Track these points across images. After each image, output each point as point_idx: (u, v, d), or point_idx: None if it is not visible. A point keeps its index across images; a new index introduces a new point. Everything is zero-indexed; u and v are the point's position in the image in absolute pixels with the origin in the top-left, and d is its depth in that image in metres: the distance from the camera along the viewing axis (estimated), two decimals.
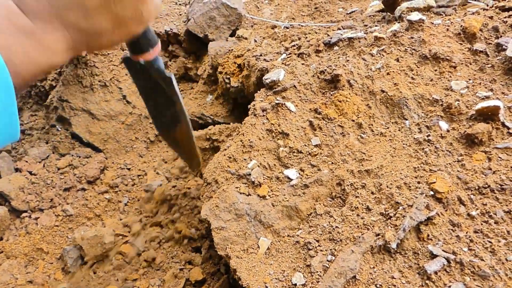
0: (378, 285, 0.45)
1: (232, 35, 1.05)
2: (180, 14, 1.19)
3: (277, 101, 0.67)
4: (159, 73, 0.47)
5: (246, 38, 1.00)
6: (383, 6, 0.88)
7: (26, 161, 0.97)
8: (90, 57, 1.04)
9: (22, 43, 0.27)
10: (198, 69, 1.06)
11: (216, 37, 1.04)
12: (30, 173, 0.95)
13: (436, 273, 0.44)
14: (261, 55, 0.85)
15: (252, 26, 1.08)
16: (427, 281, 0.44)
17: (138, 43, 0.43)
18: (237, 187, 0.60)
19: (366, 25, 0.85)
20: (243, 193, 0.59)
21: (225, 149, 0.67)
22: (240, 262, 0.54)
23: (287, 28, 1.01)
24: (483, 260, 0.43)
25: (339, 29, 0.85)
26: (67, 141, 1.04)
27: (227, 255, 0.56)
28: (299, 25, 1.01)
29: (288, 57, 0.79)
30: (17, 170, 0.96)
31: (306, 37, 0.85)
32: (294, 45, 0.83)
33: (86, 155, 1.02)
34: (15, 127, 0.27)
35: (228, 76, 0.90)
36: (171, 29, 1.12)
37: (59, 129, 1.06)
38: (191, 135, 0.59)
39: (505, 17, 0.66)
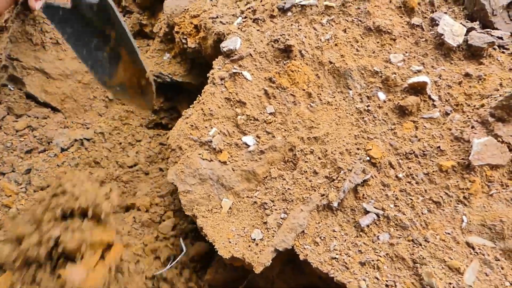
0: (322, 237, 0.55)
1: None
2: None
3: (234, 70, 0.71)
4: (89, 4, 0.44)
5: None
6: None
7: None
8: (38, 13, 1.00)
9: None
10: (154, 26, 1.05)
11: None
12: None
13: (368, 226, 0.54)
14: (217, 17, 0.87)
15: None
16: (361, 233, 0.54)
17: None
18: (200, 154, 0.66)
19: None
20: (206, 159, 0.65)
21: (187, 117, 0.71)
22: (205, 221, 0.62)
23: None
24: (404, 214, 0.54)
25: None
26: (22, 101, 1.03)
27: (194, 215, 0.63)
28: None
29: (243, 22, 0.82)
30: None
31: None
32: (249, 8, 0.85)
33: (44, 116, 1.02)
34: None
35: (185, 37, 0.91)
36: None
37: (12, 88, 1.04)
38: (139, 60, 0.55)
39: None
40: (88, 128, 1.04)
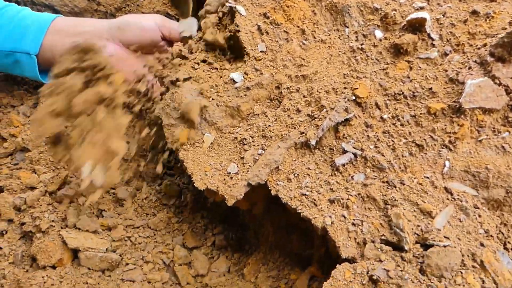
0: (295, 174, 0.53)
1: None
2: None
3: (229, 4, 0.68)
4: None
5: None
6: None
7: None
8: None
9: None
10: None
11: None
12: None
13: (343, 165, 0.52)
14: None
15: None
16: (335, 172, 0.52)
17: None
18: (186, 89, 0.65)
19: None
20: (191, 95, 0.64)
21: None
22: (186, 154, 0.62)
23: None
24: (383, 156, 0.51)
25: None
26: None
27: (176, 148, 0.63)
28: None
29: None
30: None
31: None
32: None
33: None
34: None
35: None
36: None
37: None
38: None
39: None
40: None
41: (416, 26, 0.56)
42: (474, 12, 0.55)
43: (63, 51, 0.73)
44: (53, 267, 0.67)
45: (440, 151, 0.50)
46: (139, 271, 0.71)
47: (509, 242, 0.48)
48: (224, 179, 0.57)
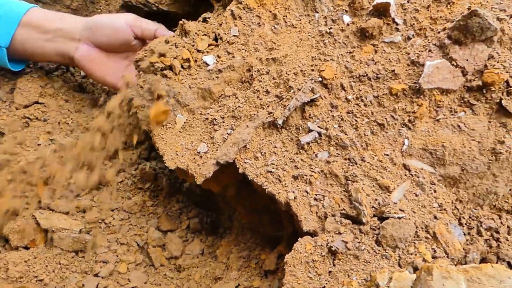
0: (262, 153, 0.55)
1: None
2: None
3: None
4: None
5: None
6: None
7: None
8: None
9: None
10: None
11: None
12: None
13: (308, 143, 0.54)
14: None
15: None
16: (300, 150, 0.54)
17: None
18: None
19: None
20: (165, 77, 0.65)
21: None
22: (159, 135, 0.63)
23: None
24: (346, 134, 0.53)
25: None
26: None
27: (149, 130, 0.64)
28: None
29: None
30: None
31: None
32: None
33: None
34: None
35: None
36: None
37: None
38: None
39: None
40: None
41: (381, 11, 0.58)
42: None
43: (35, 47, 0.74)
44: (26, 247, 0.68)
45: (400, 130, 0.51)
46: (112, 253, 0.72)
47: (463, 217, 0.50)
48: (194, 158, 0.58)
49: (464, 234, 0.49)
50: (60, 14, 0.86)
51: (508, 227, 0.51)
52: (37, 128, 0.88)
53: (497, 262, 0.49)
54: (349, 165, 0.51)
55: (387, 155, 0.50)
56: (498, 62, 0.50)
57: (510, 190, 0.52)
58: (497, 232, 0.50)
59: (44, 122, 0.90)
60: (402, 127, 0.51)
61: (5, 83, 0.99)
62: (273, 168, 0.53)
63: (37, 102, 0.93)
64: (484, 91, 0.50)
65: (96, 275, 0.68)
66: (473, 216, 0.51)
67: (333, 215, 0.48)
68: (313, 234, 0.49)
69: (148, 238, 0.75)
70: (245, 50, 0.64)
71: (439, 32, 0.54)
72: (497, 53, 0.50)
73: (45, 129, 0.88)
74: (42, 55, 0.83)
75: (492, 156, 0.49)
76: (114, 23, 0.77)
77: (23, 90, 0.97)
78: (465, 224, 0.50)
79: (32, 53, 0.82)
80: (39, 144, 0.84)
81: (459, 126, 0.50)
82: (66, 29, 0.79)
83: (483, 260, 0.49)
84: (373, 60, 0.56)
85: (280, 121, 0.55)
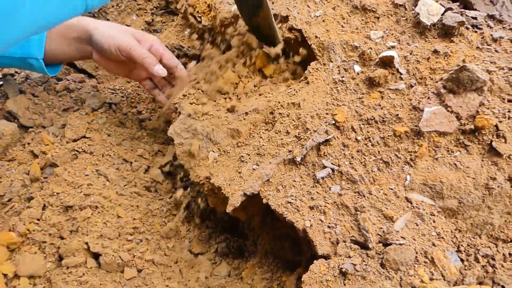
0: (283, 186, 0.63)
1: None
2: None
3: None
4: None
5: None
6: None
7: (29, 84, 1.12)
8: None
9: None
10: (178, 3, 1.16)
11: None
12: (33, 95, 1.10)
13: (323, 178, 0.62)
14: None
15: None
16: (316, 184, 0.62)
17: None
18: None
19: None
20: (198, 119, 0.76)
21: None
22: (194, 167, 0.73)
23: None
24: (356, 170, 0.61)
25: None
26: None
27: (187, 165, 0.74)
28: None
29: None
30: (21, 92, 1.12)
31: None
32: None
33: (80, 80, 1.17)
34: None
35: (199, 15, 1.01)
36: None
37: None
38: (271, 16, 0.73)
39: None
40: (116, 93, 1.18)
41: (387, 62, 0.66)
42: (435, 51, 0.65)
43: (62, 52, 0.91)
44: None
45: (403, 167, 0.59)
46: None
47: (462, 245, 0.57)
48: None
49: (462, 260, 0.55)
50: (72, 23, 0.93)
51: (503, 254, 0.57)
52: (84, 160, 1.00)
53: (492, 287, 0.55)
54: (358, 197, 0.59)
55: (391, 189, 0.58)
56: (488, 109, 0.57)
57: (505, 221, 0.59)
58: (493, 259, 0.56)
59: (90, 155, 1.01)
60: (405, 164, 0.59)
61: (57, 119, 1.12)
62: (292, 199, 0.61)
63: (84, 137, 1.05)
64: (477, 134, 0.57)
65: None
66: (471, 244, 0.57)
67: (344, 241, 0.56)
68: (326, 257, 0.56)
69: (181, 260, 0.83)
70: (268, 96, 0.74)
71: (437, 81, 0.62)
72: (488, 100, 0.58)
73: (91, 161, 1.00)
74: (69, 58, 0.98)
75: (485, 190, 0.56)
76: (104, 47, 0.88)
77: (73, 126, 1.10)
78: (464, 251, 0.56)
79: (62, 58, 0.97)
80: (86, 175, 0.95)
81: (455, 164, 0.57)
82: (82, 38, 0.91)
83: (480, 284, 0.55)
84: (380, 105, 0.65)
85: (298, 159, 0.63)
